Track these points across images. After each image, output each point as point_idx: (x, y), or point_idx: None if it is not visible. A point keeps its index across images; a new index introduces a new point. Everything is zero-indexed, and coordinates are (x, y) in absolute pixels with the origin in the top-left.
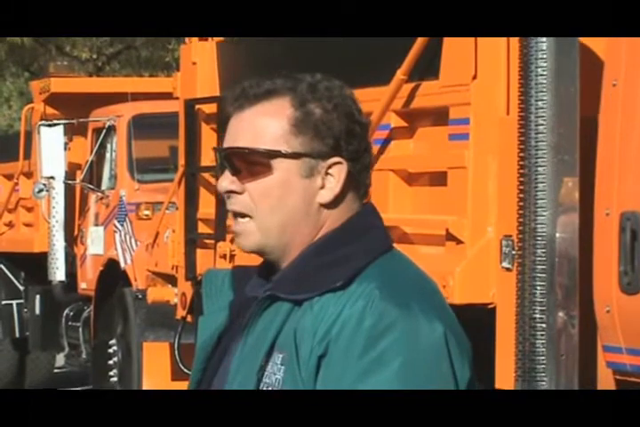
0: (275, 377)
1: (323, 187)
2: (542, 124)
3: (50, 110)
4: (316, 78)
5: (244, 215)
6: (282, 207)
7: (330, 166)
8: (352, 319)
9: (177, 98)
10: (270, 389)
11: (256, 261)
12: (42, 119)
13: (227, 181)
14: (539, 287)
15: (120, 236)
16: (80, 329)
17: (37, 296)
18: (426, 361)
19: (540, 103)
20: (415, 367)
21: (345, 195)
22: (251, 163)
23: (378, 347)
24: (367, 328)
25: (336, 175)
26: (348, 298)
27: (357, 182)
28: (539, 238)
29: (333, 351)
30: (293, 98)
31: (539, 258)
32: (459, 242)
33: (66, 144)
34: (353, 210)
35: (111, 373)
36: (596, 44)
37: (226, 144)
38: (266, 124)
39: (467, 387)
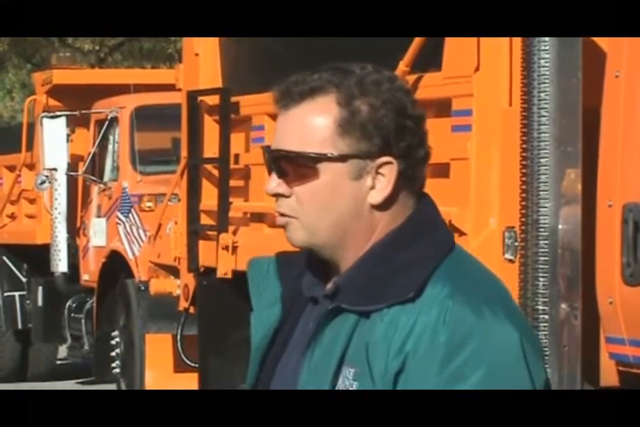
0: None
1: (373, 187)
2: (545, 116)
3: (52, 102)
4: (365, 71)
5: (289, 216)
6: (330, 210)
7: (380, 166)
8: (427, 332)
9: (179, 89)
10: None
11: (261, 253)
12: (44, 111)
13: (274, 184)
14: (541, 279)
15: (125, 227)
16: (82, 321)
17: (40, 288)
18: (505, 370)
19: (542, 95)
20: (495, 379)
21: (398, 193)
22: (297, 166)
23: (457, 360)
24: (444, 341)
25: (387, 175)
26: (420, 308)
27: (411, 178)
28: (541, 230)
29: (411, 367)
30: (339, 95)
31: (541, 249)
32: (461, 233)
33: (68, 136)
34: (409, 207)
35: (113, 364)
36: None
37: (274, 145)
38: (311, 125)
39: (543, 388)
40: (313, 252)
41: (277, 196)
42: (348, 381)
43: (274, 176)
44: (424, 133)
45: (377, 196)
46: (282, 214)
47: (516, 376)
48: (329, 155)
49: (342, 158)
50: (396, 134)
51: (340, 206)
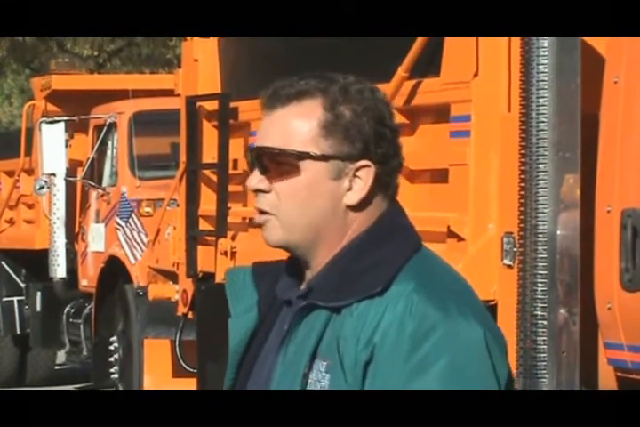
0: (320, 384)
1: (350, 189)
2: (543, 122)
3: (51, 107)
4: (348, 80)
5: (267, 213)
6: (308, 208)
7: (358, 169)
8: (394, 325)
9: (178, 95)
10: None
11: (260, 258)
12: (43, 116)
13: (255, 180)
14: (540, 284)
15: (124, 233)
16: (81, 326)
17: (38, 293)
18: (468, 362)
19: (541, 100)
20: (458, 369)
21: (373, 197)
22: (280, 163)
23: (421, 350)
24: (409, 333)
25: (364, 178)
26: (387, 302)
27: (386, 184)
28: (540, 235)
29: (378, 358)
30: (324, 100)
31: (540, 255)
32: (460, 239)
33: (67, 141)
34: (381, 211)
35: (112, 370)
36: (598, 42)
37: (257, 143)
38: (296, 125)
39: (506, 383)
40: (288, 251)
41: (257, 192)
42: (320, 373)
43: (255, 173)
44: (399, 145)
45: (353, 197)
46: (261, 212)
47: (479, 367)
48: (312, 153)
49: (324, 158)
50: (375, 141)
51: (318, 204)
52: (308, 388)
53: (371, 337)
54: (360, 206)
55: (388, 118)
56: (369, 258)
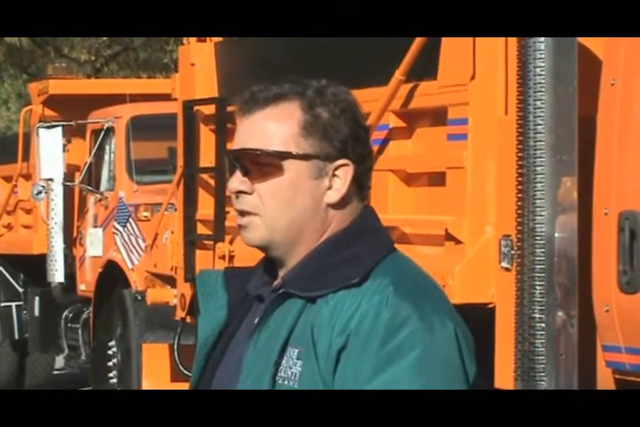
0: (291, 371)
1: (330, 188)
2: (541, 124)
3: (48, 112)
4: (322, 84)
5: (250, 214)
6: (290, 207)
7: (337, 168)
8: (370, 313)
9: (175, 99)
10: (286, 382)
11: (254, 262)
12: (40, 121)
13: (237, 182)
14: (538, 287)
15: (122, 237)
16: (79, 331)
17: (36, 298)
18: (440, 353)
19: (538, 103)
20: (431, 359)
21: (350, 196)
22: (261, 164)
23: (396, 339)
24: (385, 321)
25: (342, 177)
26: (363, 293)
27: (361, 185)
28: (538, 238)
29: (353, 344)
30: (302, 102)
31: (538, 258)
32: (458, 242)
33: (64, 146)
34: (357, 211)
35: (111, 374)
36: (595, 44)
37: (236, 146)
38: (276, 126)
39: (473, 381)
40: (266, 252)
41: (239, 193)
42: (291, 360)
43: (236, 175)
44: (371, 146)
45: (333, 195)
46: (242, 213)
47: (450, 360)
48: (293, 152)
49: (305, 157)
50: (352, 141)
51: (301, 203)
52: (279, 374)
53: (346, 325)
54: (339, 205)
55: (361, 119)
56: (345, 253)
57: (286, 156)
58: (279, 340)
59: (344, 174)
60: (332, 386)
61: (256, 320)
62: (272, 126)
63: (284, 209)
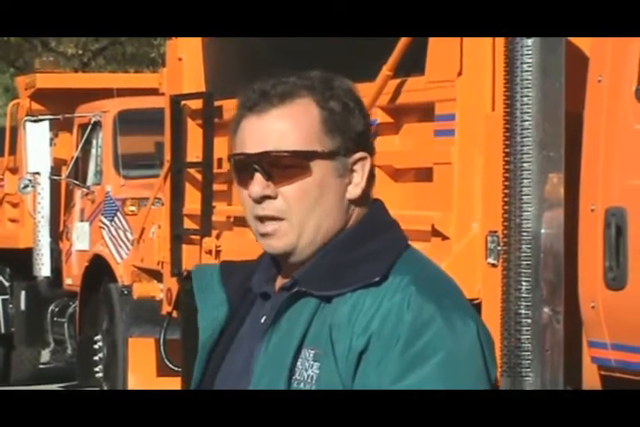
0: (306, 373)
1: (350, 183)
2: (527, 120)
3: (35, 106)
4: (325, 76)
5: (275, 219)
6: (318, 208)
7: (355, 162)
8: (392, 313)
9: (163, 94)
10: (302, 385)
11: (245, 257)
12: (27, 115)
13: (260, 187)
14: (524, 283)
15: (109, 232)
16: (65, 325)
17: (23, 292)
18: (465, 355)
19: (525, 99)
20: (456, 362)
21: (368, 189)
22: (286, 166)
23: (420, 341)
24: (408, 322)
25: (360, 171)
26: (384, 292)
27: (373, 176)
28: (524, 234)
29: (375, 346)
30: (314, 97)
31: (524, 254)
32: (444, 238)
33: (51, 140)
34: (369, 205)
35: (96, 368)
36: (582, 41)
37: (252, 149)
38: (295, 125)
39: (494, 382)
40: (287, 257)
41: (263, 199)
42: (307, 362)
43: (258, 179)
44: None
45: (354, 191)
46: (268, 218)
47: (473, 363)
48: (319, 151)
49: (331, 155)
50: (366, 132)
51: (328, 203)
52: (294, 377)
53: (367, 325)
54: (360, 200)
55: (367, 109)
56: (362, 249)
57: (312, 155)
58: (293, 341)
59: (361, 168)
60: (351, 388)
61: (263, 319)
62: (291, 125)
63: (312, 211)
